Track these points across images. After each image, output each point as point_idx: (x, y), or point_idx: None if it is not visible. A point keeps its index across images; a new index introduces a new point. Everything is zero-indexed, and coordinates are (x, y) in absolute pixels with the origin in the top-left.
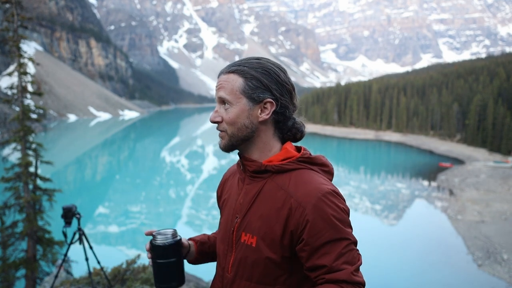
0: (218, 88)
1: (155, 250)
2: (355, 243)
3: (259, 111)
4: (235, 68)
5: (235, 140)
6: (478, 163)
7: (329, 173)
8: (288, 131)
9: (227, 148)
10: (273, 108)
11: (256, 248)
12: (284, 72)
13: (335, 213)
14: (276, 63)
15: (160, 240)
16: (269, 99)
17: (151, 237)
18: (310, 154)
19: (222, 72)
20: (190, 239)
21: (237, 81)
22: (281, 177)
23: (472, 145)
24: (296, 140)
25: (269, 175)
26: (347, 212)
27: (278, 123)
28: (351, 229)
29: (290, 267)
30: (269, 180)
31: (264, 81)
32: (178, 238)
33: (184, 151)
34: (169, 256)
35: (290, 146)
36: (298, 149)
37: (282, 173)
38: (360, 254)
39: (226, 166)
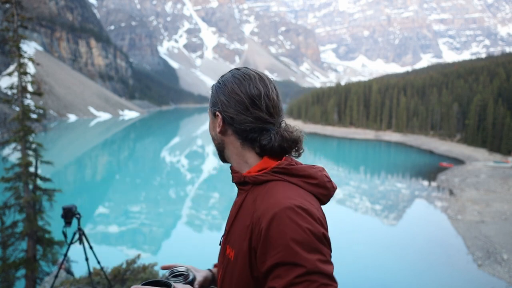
0: None
1: None
2: (318, 273)
3: (217, 124)
4: (213, 84)
5: (218, 150)
6: (478, 163)
7: (319, 187)
8: (254, 143)
9: (220, 158)
10: (221, 121)
11: (234, 262)
12: (243, 80)
13: (292, 233)
14: (243, 72)
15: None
16: (216, 111)
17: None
18: (290, 164)
19: None
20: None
21: (210, 97)
22: (258, 189)
23: (472, 145)
24: (276, 154)
25: (249, 187)
26: (314, 233)
27: (238, 134)
28: (320, 255)
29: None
30: (250, 192)
31: (215, 95)
32: (190, 279)
33: (184, 151)
34: None
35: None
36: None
37: (258, 184)
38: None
39: (226, 166)
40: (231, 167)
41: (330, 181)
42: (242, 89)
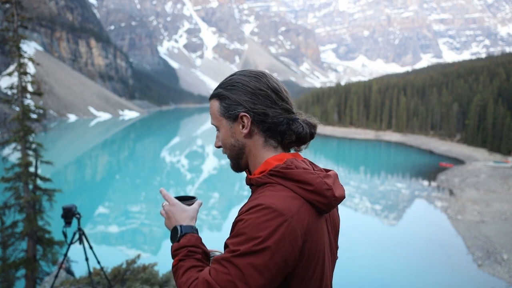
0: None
1: None
2: (235, 265)
3: (241, 126)
4: (214, 93)
5: (234, 160)
6: (478, 163)
7: (315, 194)
8: (284, 135)
9: (234, 169)
10: (249, 120)
11: None
12: (259, 77)
13: (241, 222)
14: (252, 71)
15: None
16: (242, 113)
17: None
18: (287, 167)
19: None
20: None
21: (215, 105)
22: (258, 190)
23: (472, 145)
24: (296, 144)
25: (255, 189)
26: (261, 231)
27: (267, 131)
28: (256, 253)
29: None
30: (253, 192)
31: (232, 97)
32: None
33: (184, 151)
34: None
35: (279, 157)
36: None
37: (260, 186)
38: (229, 282)
39: (226, 166)
40: (247, 170)
41: (331, 189)
42: (264, 85)
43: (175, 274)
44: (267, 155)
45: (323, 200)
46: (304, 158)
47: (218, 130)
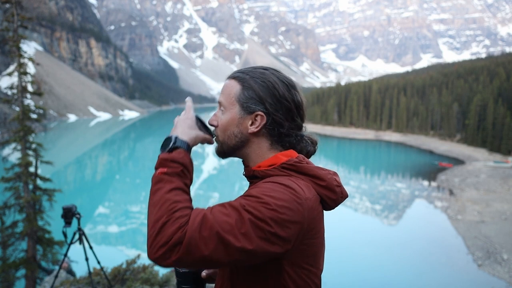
0: (220, 92)
1: (180, 277)
2: (239, 213)
3: (250, 122)
4: (237, 75)
5: (226, 148)
6: (478, 163)
7: (327, 189)
8: (290, 146)
9: (220, 154)
10: (263, 122)
11: None
12: (290, 87)
13: (252, 202)
14: (285, 77)
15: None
16: (260, 112)
17: None
18: (300, 161)
19: (227, 77)
20: None
21: (235, 87)
22: (270, 178)
23: (472, 145)
24: (306, 156)
25: (258, 181)
26: (274, 199)
27: (273, 137)
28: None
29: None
30: (255, 184)
31: (259, 93)
32: None
33: None
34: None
35: (288, 153)
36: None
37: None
38: (228, 225)
39: (226, 166)
40: (243, 161)
41: (340, 186)
42: (291, 97)
43: (155, 185)
44: (272, 154)
45: (333, 196)
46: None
47: (222, 109)
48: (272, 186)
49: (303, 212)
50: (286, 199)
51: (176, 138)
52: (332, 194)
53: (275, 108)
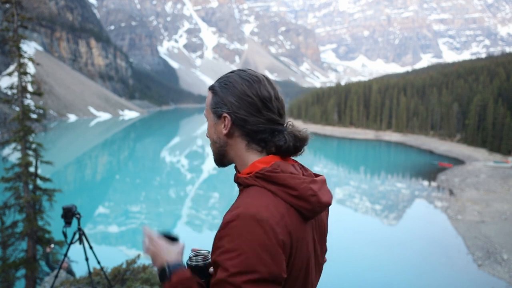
0: None
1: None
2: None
3: (222, 125)
4: (211, 85)
5: (215, 156)
6: (478, 163)
7: (299, 199)
8: (266, 144)
9: (216, 163)
10: (230, 122)
11: None
12: (252, 82)
13: (226, 239)
14: (249, 73)
15: (195, 262)
16: (224, 113)
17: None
18: (273, 170)
19: None
20: None
21: (209, 97)
22: (244, 191)
23: (472, 145)
24: (280, 155)
25: (242, 188)
26: (259, 244)
27: (247, 136)
28: (250, 274)
29: None
30: (241, 192)
31: (221, 95)
32: (208, 260)
33: (184, 151)
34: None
35: (266, 159)
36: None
37: (246, 187)
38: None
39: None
40: (235, 167)
41: (315, 195)
42: (253, 91)
43: None
44: (252, 158)
45: (307, 206)
46: (295, 162)
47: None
48: (241, 228)
49: (278, 241)
50: (260, 243)
51: (168, 265)
52: (306, 204)
53: (237, 106)
